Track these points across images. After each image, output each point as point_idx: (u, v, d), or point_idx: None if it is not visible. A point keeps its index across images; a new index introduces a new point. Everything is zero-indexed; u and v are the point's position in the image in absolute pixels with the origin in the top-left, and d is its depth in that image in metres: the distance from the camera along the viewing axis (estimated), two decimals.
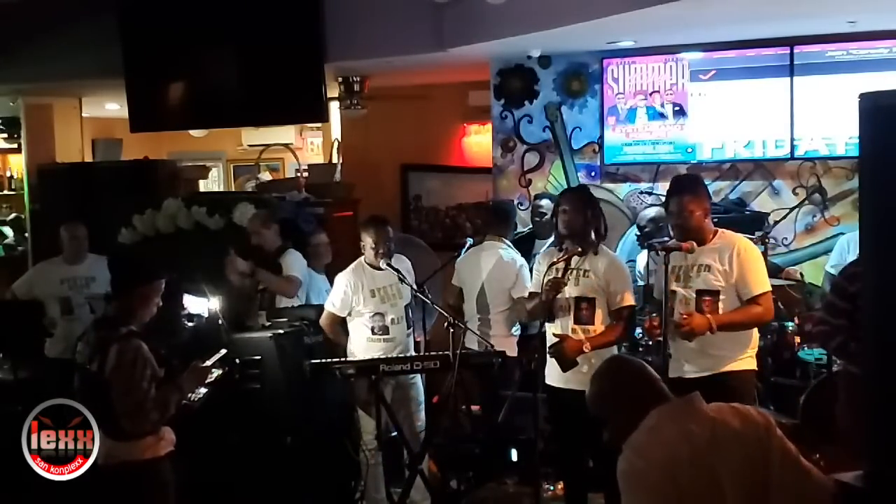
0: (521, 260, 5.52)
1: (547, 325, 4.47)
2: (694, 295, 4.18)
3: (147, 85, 7.48)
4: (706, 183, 6.33)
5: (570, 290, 4.38)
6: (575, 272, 4.37)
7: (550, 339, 4.44)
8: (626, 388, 2.63)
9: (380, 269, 5.04)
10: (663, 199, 6.27)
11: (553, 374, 4.44)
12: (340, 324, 5.20)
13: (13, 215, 10.13)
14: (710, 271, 4.17)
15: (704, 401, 4.09)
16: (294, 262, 5.70)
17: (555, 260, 4.44)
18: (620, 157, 6.67)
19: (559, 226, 4.46)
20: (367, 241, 5.05)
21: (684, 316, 4.06)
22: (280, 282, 5.62)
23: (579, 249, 4.36)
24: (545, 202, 6.10)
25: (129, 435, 3.61)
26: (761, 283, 4.17)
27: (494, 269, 5.46)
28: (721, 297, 4.15)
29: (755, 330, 4.31)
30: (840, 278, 4.23)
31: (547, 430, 4.95)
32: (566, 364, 4.30)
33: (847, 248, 5.66)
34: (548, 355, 4.43)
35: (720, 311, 4.15)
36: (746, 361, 4.22)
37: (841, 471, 2.52)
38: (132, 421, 3.58)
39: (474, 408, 5.73)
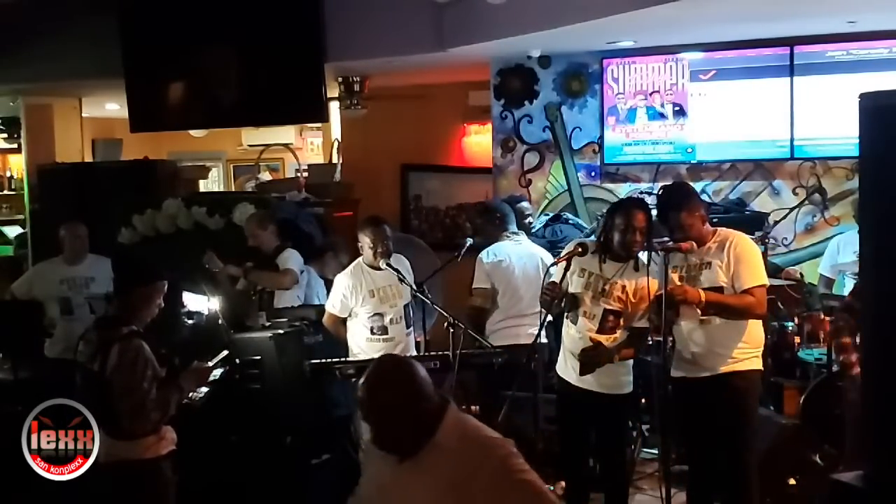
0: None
1: (568, 326, 4.45)
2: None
3: (147, 85, 7.48)
4: (707, 183, 6.42)
5: (603, 301, 4.31)
6: (610, 284, 4.31)
7: (569, 339, 4.43)
8: (417, 388, 2.40)
9: (378, 269, 5.04)
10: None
11: (570, 371, 4.44)
12: (343, 323, 5.19)
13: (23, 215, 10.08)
14: (711, 268, 4.17)
15: (713, 400, 4.11)
16: (291, 258, 5.70)
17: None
18: (620, 157, 6.67)
19: (615, 241, 4.30)
20: (365, 241, 5.04)
21: (676, 286, 4.08)
22: (275, 277, 5.60)
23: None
24: (526, 205, 6.04)
25: (130, 434, 3.62)
26: (755, 276, 4.15)
27: (539, 263, 5.37)
28: (725, 293, 4.14)
29: (761, 329, 4.29)
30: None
31: (548, 429, 4.95)
32: (588, 368, 4.30)
33: (837, 250, 5.67)
34: (569, 354, 4.41)
35: None
36: (752, 361, 4.21)
37: (841, 471, 2.52)
38: (132, 421, 3.58)
39: (473, 408, 5.73)
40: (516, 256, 5.41)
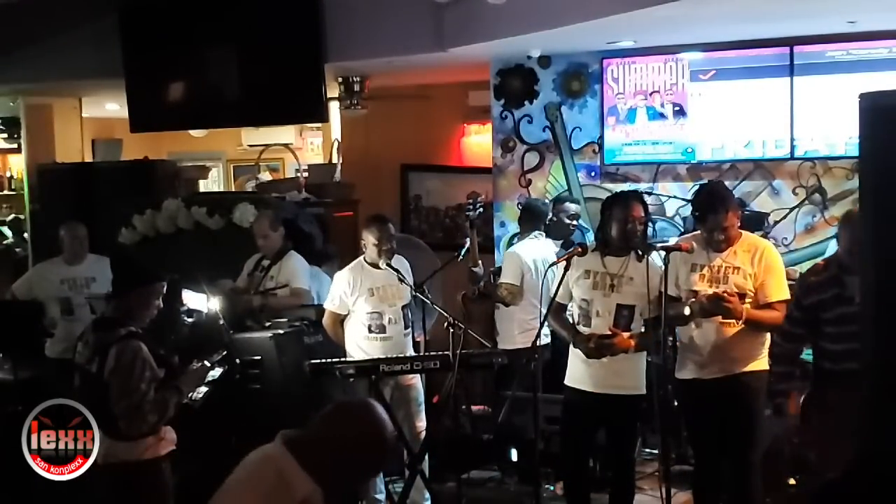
0: None
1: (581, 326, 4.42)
2: None
3: (147, 85, 7.48)
4: (705, 182, 6.40)
5: (614, 297, 4.30)
6: (617, 279, 4.30)
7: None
8: None
9: (379, 268, 5.04)
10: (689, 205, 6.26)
11: (576, 377, 4.41)
12: (342, 324, 5.17)
13: (12, 216, 10.14)
14: (739, 273, 4.14)
15: (721, 401, 4.13)
16: (297, 269, 5.66)
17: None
18: (620, 157, 6.67)
19: (615, 233, 4.31)
20: (370, 239, 5.04)
21: (730, 294, 4.03)
22: (290, 302, 5.55)
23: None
24: (573, 206, 6.12)
25: (128, 435, 3.61)
26: (782, 290, 4.16)
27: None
28: (748, 299, 4.11)
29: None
30: (797, 289, 4.26)
31: (548, 429, 4.94)
32: (598, 354, 4.24)
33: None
34: (580, 361, 4.37)
35: None
36: (761, 362, 4.23)
37: (840, 470, 2.52)
38: (130, 423, 3.58)
39: (476, 407, 5.73)
40: (540, 257, 5.58)
